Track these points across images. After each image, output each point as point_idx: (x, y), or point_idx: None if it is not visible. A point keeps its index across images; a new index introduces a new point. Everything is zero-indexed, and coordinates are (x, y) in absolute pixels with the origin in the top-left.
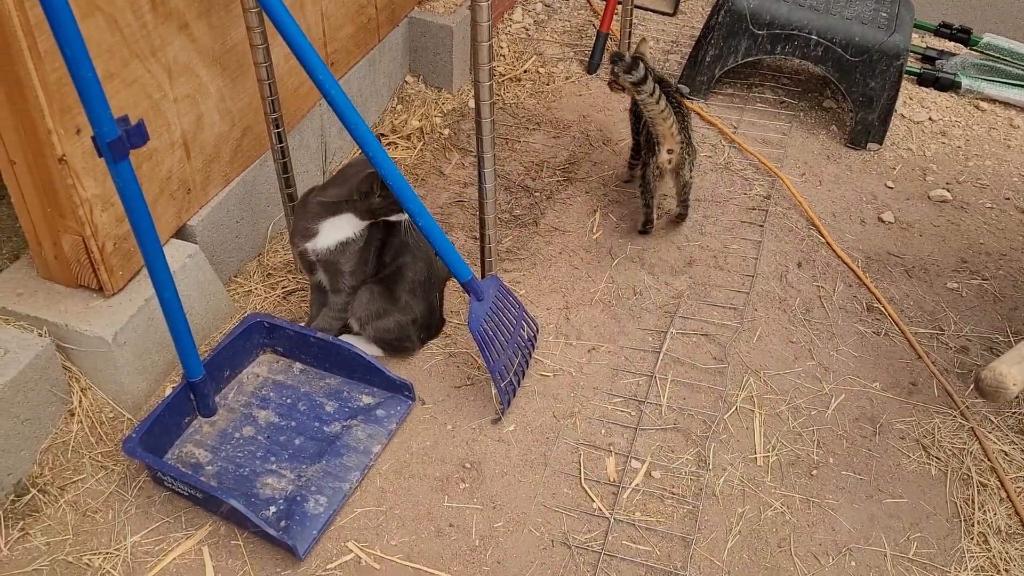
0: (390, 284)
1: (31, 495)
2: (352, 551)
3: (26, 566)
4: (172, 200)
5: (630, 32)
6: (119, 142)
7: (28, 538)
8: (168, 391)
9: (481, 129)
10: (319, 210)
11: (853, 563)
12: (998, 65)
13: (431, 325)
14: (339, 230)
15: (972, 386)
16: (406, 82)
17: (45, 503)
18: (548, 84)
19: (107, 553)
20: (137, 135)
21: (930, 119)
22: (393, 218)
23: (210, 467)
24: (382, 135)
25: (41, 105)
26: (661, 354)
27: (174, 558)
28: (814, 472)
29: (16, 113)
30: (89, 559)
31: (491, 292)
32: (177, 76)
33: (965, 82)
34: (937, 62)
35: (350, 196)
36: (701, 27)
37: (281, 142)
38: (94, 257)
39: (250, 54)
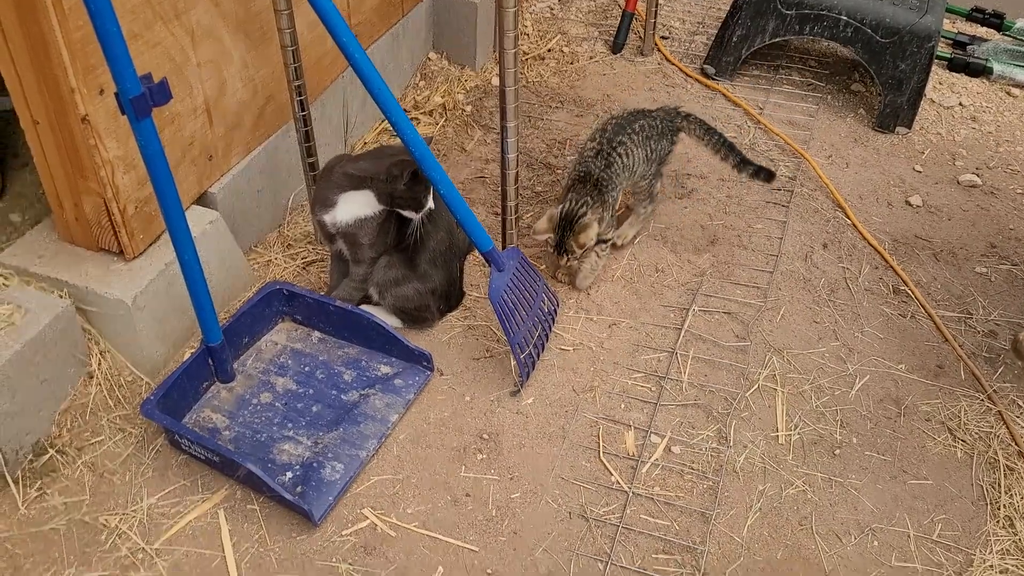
0: (411, 253)
1: (49, 456)
2: (368, 518)
3: (43, 524)
4: (193, 166)
5: (656, 11)
6: (142, 99)
7: (45, 497)
8: (186, 357)
9: (505, 98)
10: (342, 181)
11: (876, 543)
12: None
13: (451, 296)
14: (358, 206)
15: (1011, 347)
16: (429, 59)
17: (63, 464)
18: (572, 63)
19: (123, 514)
20: (160, 93)
21: (960, 104)
22: (407, 213)
23: (227, 432)
24: (404, 111)
25: (65, 63)
26: (683, 331)
27: (190, 521)
28: (837, 452)
29: (40, 72)
30: (106, 519)
31: (512, 263)
32: (200, 40)
33: (997, 68)
34: (968, 48)
35: (377, 175)
36: (728, 7)
37: (303, 110)
38: (115, 219)
39: (274, 21)
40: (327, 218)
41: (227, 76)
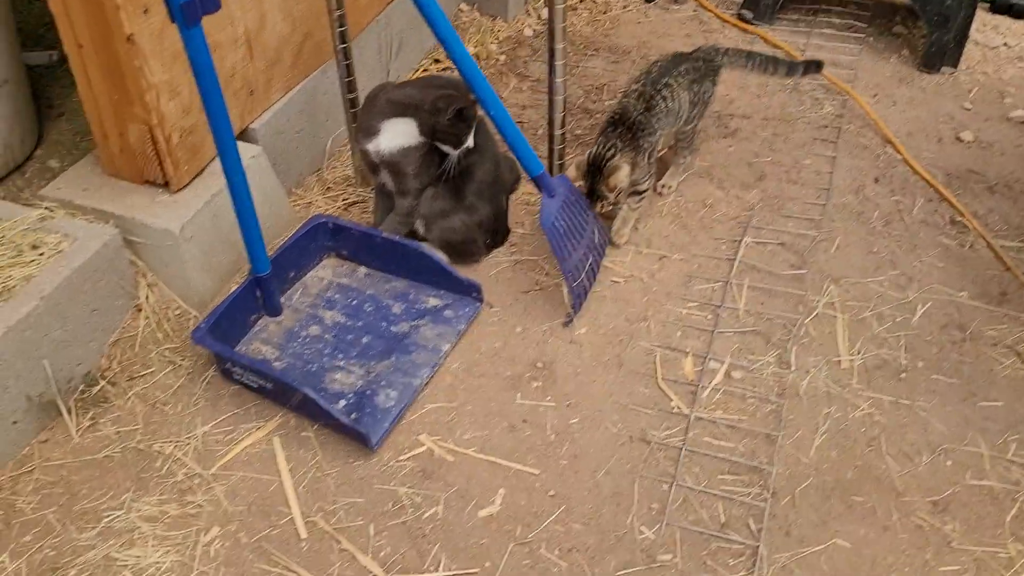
0: (457, 184)
1: (100, 386)
2: (424, 444)
3: (97, 452)
4: (235, 99)
5: None
6: (192, 5)
7: (98, 427)
8: (231, 291)
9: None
10: (386, 108)
11: (949, 462)
12: None
13: (497, 231)
14: (401, 136)
15: None
16: (460, 10)
17: (114, 395)
18: (605, 12)
19: (178, 442)
20: (210, 0)
21: (1005, 45)
22: (445, 148)
23: (277, 363)
24: (437, 60)
25: None
26: (736, 261)
27: (245, 447)
28: (902, 376)
29: None
30: (160, 447)
31: (562, 191)
32: None
33: None
34: None
35: (422, 104)
36: None
37: (344, 42)
38: (160, 148)
39: None
40: (371, 147)
41: (267, 8)
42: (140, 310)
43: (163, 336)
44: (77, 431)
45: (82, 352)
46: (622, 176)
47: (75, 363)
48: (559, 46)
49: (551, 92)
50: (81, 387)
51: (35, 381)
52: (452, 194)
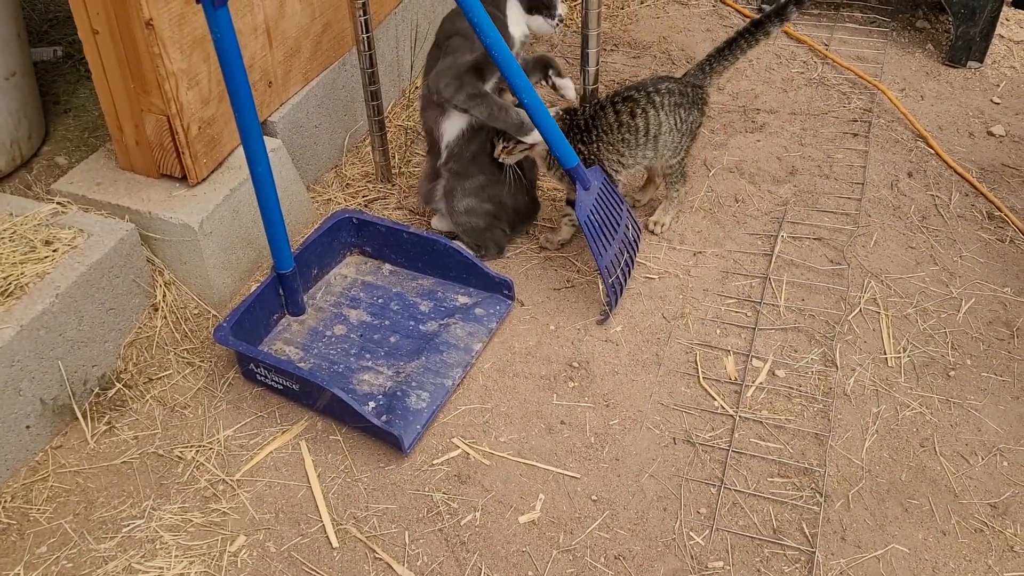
0: (477, 160)
1: (116, 389)
2: (459, 447)
3: (115, 459)
4: (254, 91)
5: None
6: None
7: (115, 431)
8: (253, 289)
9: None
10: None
11: (1005, 463)
12: None
13: (527, 212)
14: (520, 23)
15: None
16: None
17: (131, 398)
18: (623, 8)
19: (200, 447)
20: None
21: None
22: (542, 19)
23: (303, 364)
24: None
25: None
26: (774, 256)
27: (271, 452)
28: (951, 373)
29: None
30: (181, 452)
31: (596, 184)
32: None
33: None
34: None
35: None
36: None
37: (367, 31)
38: (179, 139)
39: None
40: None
41: None
42: (156, 309)
43: (181, 336)
44: (93, 436)
45: (97, 353)
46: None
47: (90, 364)
48: (593, 32)
49: (584, 82)
50: (96, 390)
51: (49, 384)
52: (475, 177)
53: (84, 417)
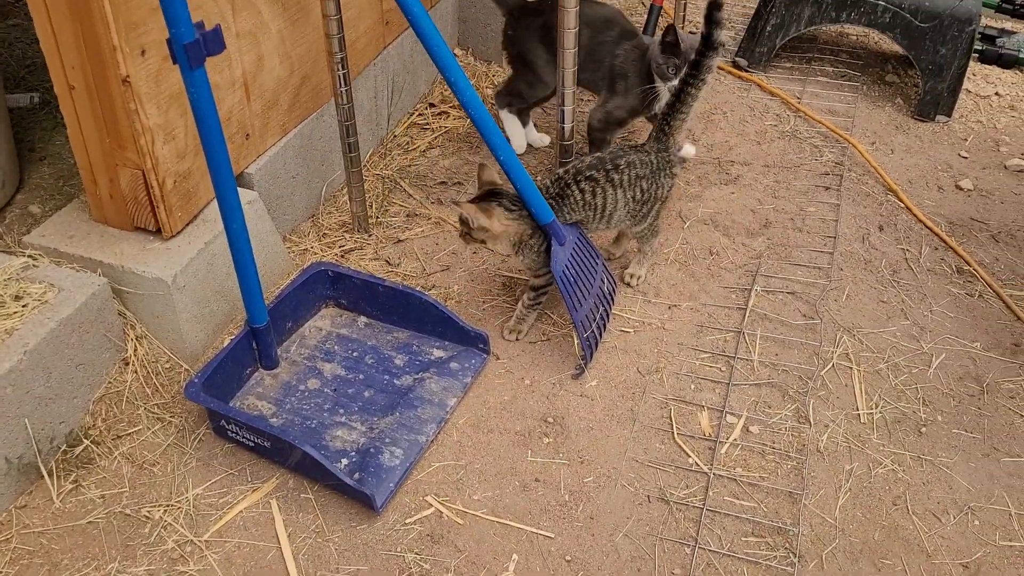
0: None
1: (84, 446)
2: (432, 505)
3: (81, 519)
4: (231, 144)
5: (685, 5)
6: (196, 46)
7: (81, 490)
8: (226, 343)
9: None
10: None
11: (976, 522)
12: None
13: None
14: None
15: None
16: (455, 55)
17: (99, 455)
18: None
19: (168, 506)
20: (214, 41)
21: (997, 94)
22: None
23: (275, 419)
24: (432, 105)
25: (107, 18)
26: (747, 310)
27: (240, 511)
28: (923, 430)
29: (79, 28)
30: (148, 511)
31: (571, 238)
32: (240, 10)
33: None
34: (998, 40)
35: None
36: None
37: (346, 84)
38: (153, 194)
39: None
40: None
41: (265, 51)
42: (127, 363)
43: (151, 391)
44: (58, 495)
45: (65, 409)
46: (483, 222)
47: (58, 421)
48: (568, 90)
49: (560, 135)
50: (63, 447)
51: (14, 442)
52: None
53: (50, 476)
